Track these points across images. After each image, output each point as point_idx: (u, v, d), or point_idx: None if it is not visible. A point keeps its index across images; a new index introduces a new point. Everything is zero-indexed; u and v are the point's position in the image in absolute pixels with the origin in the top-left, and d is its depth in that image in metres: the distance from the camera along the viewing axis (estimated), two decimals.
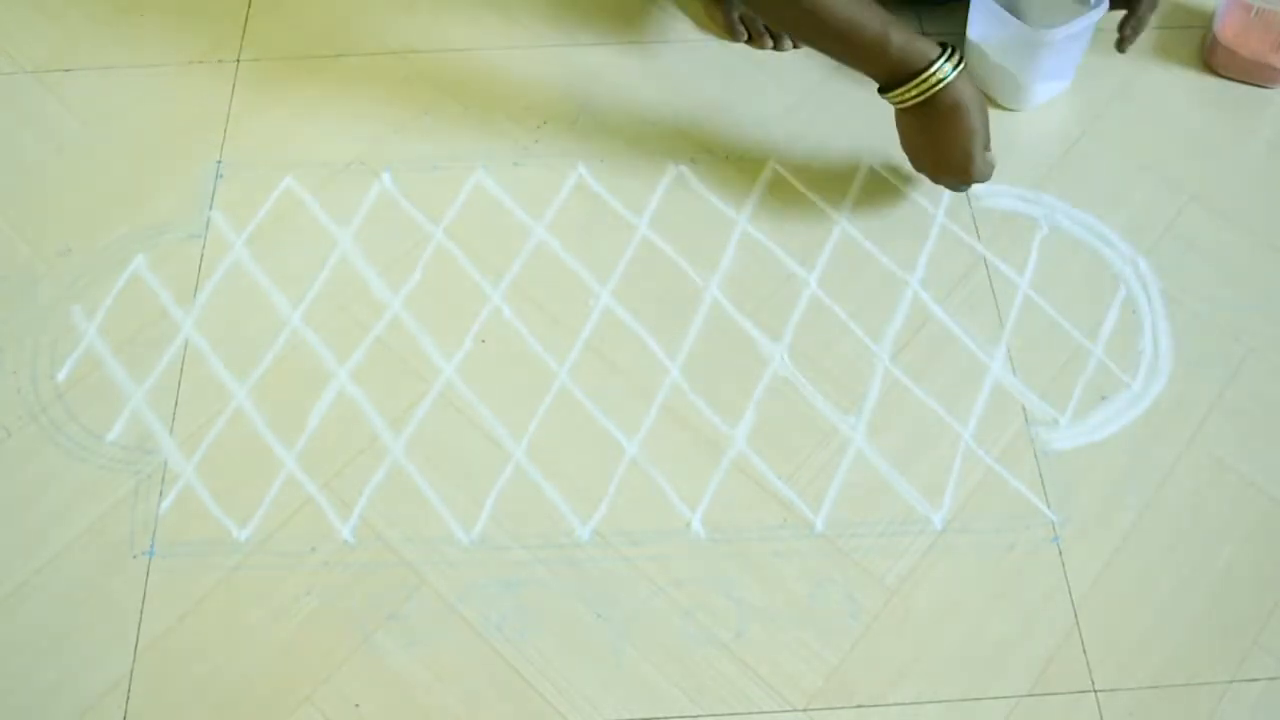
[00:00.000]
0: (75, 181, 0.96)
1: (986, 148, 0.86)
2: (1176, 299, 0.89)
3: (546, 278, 0.90)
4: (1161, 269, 0.90)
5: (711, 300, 0.89)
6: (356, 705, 0.72)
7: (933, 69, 0.81)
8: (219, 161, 0.96)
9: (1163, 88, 1.02)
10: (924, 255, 0.91)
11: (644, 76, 1.02)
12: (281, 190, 0.95)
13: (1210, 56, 1.02)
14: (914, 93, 0.82)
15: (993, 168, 0.87)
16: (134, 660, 0.74)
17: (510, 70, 1.03)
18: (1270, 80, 1.00)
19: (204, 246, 0.92)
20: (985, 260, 0.91)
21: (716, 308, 0.89)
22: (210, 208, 0.94)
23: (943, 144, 0.85)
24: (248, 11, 1.08)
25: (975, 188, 0.94)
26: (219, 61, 1.04)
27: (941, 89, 0.82)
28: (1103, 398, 0.84)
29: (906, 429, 0.83)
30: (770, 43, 1.04)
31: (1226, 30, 0.99)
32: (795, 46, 1.04)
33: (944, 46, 0.82)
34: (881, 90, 0.85)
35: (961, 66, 0.82)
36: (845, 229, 0.93)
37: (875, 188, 0.95)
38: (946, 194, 0.94)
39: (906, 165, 0.96)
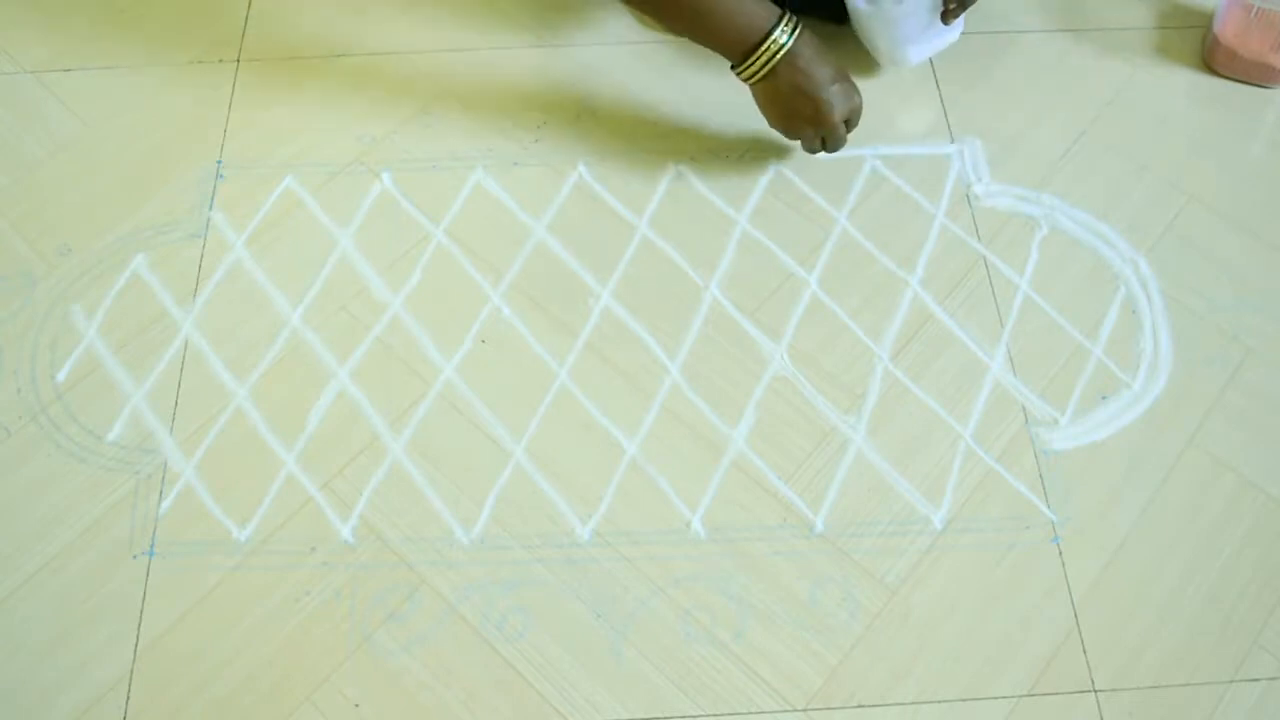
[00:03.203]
0: (75, 181, 0.96)
1: (840, 96, 0.88)
2: (1176, 299, 0.89)
3: (546, 278, 0.90)
4: (1161, 269, 0.90)
5: (711, 300, 0.89)
6: (356, 705, 0.72)
7: (769, 40, 0.85)
8: (219, 161, 0.96)
9: (1163, 88, 1.02)
10: (924, 255, 0.91)
11: (644, 76, 1.02)
12: (281, 190, 0.95)
13: (1210, 56, 1.02)
14: (758, 64, 0.86)
15: (856, 107, 0.90)
16: (134, 660, 0.74)
17: (510, 70, 1.03)
18: (1270, 80, 1.00)
19: (204, 246, 0.92)
20: (985, 260, 0.91)
21: (716, 308, 0.89)
22: (210, 208, 0.94)
23: (791, 104, 0.88)
24: (248, 11, 1.08)
25: (975, 188, 0.95)
26: (219, 61, 1.04)
27: (783, 55, 0.85)
28: (1103, 398, 0.84)
29: (906, 429, 0.83)
30: None
31: (1226, 30, 1.00)
32: None
33: (780, 13, 0.85)
34: (733, 68, 0.88)
35: (798, 31, 0.85)
36: (845, 229, 0.93)
37: (875, 187, 0.95)
38: (947, 193, 0.94)
39: (907, 165, 0.96)
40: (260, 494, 0.80)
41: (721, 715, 0.72)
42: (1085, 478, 0.81)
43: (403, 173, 0.96)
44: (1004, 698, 0.73)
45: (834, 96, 0.87)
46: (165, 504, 0.79)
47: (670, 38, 1.05)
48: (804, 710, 0.72)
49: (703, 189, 0.95)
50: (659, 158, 0.96)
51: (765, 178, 0.95)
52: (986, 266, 0.91)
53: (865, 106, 1.00)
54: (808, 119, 0.88)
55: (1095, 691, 0.73)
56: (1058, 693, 0.73)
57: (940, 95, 1.01)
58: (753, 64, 0.86)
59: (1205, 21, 1.05)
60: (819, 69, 0.86)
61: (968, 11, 0.96)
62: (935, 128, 0.99)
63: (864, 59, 1.01)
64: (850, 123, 0.91)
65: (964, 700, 0.73)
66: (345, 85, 1.02)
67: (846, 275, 0.90)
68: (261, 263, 0.91)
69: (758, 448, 0.82)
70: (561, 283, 0.90)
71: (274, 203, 0.94)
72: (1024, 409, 0.84)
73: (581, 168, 0.96)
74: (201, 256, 0.91)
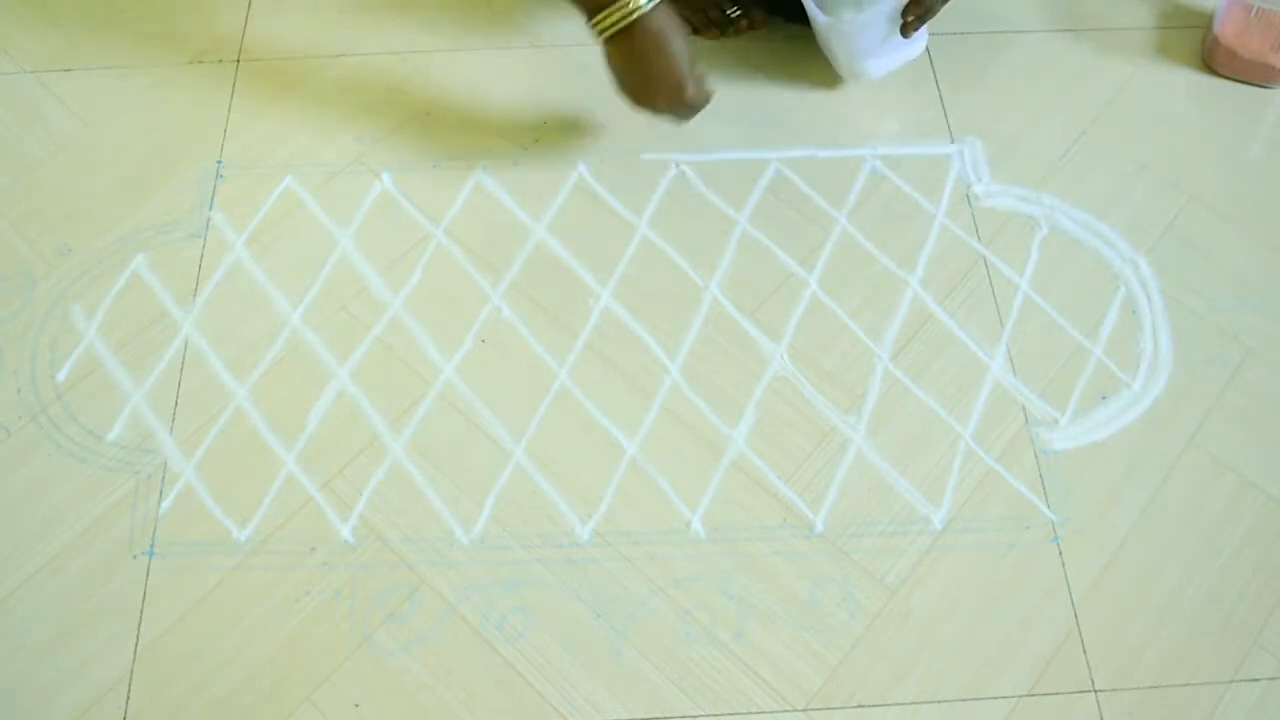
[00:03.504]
0: (75, 181, 0.96)
1: (695, 75, 0.88)
2: (1176, 299, 0.89)
3: (546, 278, 0.90)
4: (1161, 269, 0.90)
5: (711, 300, 0.89)
6: (356, 705, 0.72)
7: None
8: (219, 161, 0.96)
9: (1163, 88, 1.02)
10: (924, 255, 0.91)
11: None
12: (281, 190, 0.95)
13: (1210, 56, 1.02)
14: (613, 19, 0.85)
15: (708, 95, 0.89)
16: (134, 660, 0.74)
17: (510, 70, 1.03)
18: (1270, 80, 1.00)
19: (204, 246, 0.92)
20: (985, 260, 0.91)
21: (716, 308, 0.89)
22: (210, 208, 0.94)
23: (646, 71, 0.87)
24: (248, 11, 1.08)
25: (975, 188, 0.95)
26: (219, 61, 1.04)
27: (638, 17, 0.84)
28: (1103, 398, 0.84)
29: (906, 429, 0.83)
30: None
31: (1226, 30, 1.00)
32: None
33: None
34: (587, 20, 0.87)
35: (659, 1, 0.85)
36: (845, 229, 0.93)
37: (875, 187, 0.95)
38: (947, 194, 0.94)
39: (907, 165, 0.96)
40: (260, 494, 0.80)
41: (721, 715, 0.72)
42: (1085, 478, 0.81)
43: (403, 173, 0.96)
44: (1004, 698, 0.73)
45: (690, 70, 0.87)
46: (165, 504, 0.79)
47: None
48: (804, 710, 0.72)
49: (703, 189, 0.95)
50: (658, 158, 0.96)
51: (765, 178, 0.95)
52: (986, 266, 0.91)
53: (865, 106, 1.00)
54: (658, 87, 0.87)
55: (1095, 691, 0.73)
56: (1058, 693, 0.73)
57: (940, 95, 1.01)
58: (605, 19, 0.85)
59: (1205, 21, 1.05)
60: (678, 42, 0.86)
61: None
62: (935, 128, 0.99)
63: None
64: (696, 105, 0.89)
65: (964, 700, 0.73)
66: (345, 85, 1.02)
67: (846, 275, 0.90)
68: (261, 263, 0.91)
69: (758, 448, 0.82)
70: (561, 283, 0.90)
71: (274, 203, 0.94)
72: (1024, 409, 0.84)
73: (581, 168, 0.96)
74: (201, 256, 0.91)
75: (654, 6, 0.85)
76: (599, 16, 0.85)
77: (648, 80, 0.88)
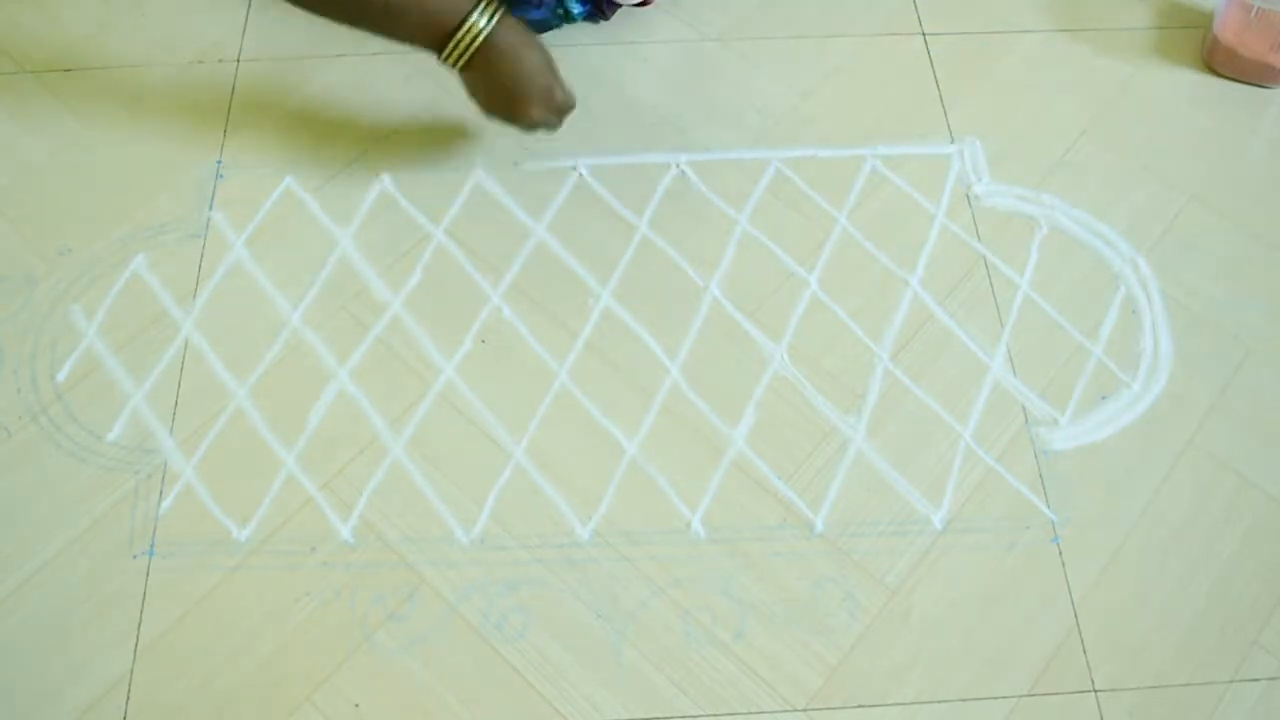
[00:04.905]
0: (75, 181, 0.95)
1: (558, 79, 0.87)
2: (1176, 299, 0.89)
3: (546, 278, 0.90)
4: (1161, 269, 0.90)
5: (711, 300, 0.89)
6: (356, 705, 0.72)
7: (467, 24, 0.82)
8: (219, 161, 0.96)
9: (1163, 88, 1.02)
10: (924, 255, 0.91)
11: (644, 76, 1.02)
12: (281, 190, 0.95)
13: (1210, 56, 1.02)
14: (461, 47, 0.83)
15: (573, 98, 0.89)
16: (134, 660, 0.74)
17: None
18: (1270, 80, 1.00)
19: (204, 246, 0.92)
20: (985, 260, 0.91)
21: (716, 308, 0.89)
22: (210, 208, 0.94)
23: (509, 87, 0.85)
24: (248, 11, 1.07)
25: (975, 188, 0.95)
26: (219, 61, 1.04)
27: (486, 37, 0.83)
28: (1103, 398, 0.84)
29: (906, 429, 0.83)
30: None
31: (1226, 30, 1.00)
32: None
33: None
34: (438, 58, 0.85)
35: (499, 14, 0.83)
36: (845, 229, 0.93)
37: (875, 187, 0.95)
38: (947, 194, 0.94)
39: (907, 165, 0.96)
40: (260, 494, 0.80)
41: (721, 715, 0.72)
42: (1085, 478, 0.81)
43: (403, 173, 0.96)
44: (1004, 698, 0.73)
45: (553, 80, 0.86)
46: (165, 504, 0.79)
47: (665, 38, 1.05)
48: (804, 710, 0.72)
49: (703, 189, 0.95)
50: (658, 158, 0.96)
51: (765, 178, 0.95)
52: (986, 266, 0.91)
53: (866, 106, 1.00)
54: (526, 100, 0.86)
55: (1095, 691, 0.73)
56: (1058, 693, 0.73)
57: (940, 95, 1.01)
58: (454, 50, 0.83)
59: (1205, 21, 1.05)
60: (534, 51, 0.85)
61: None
62: (935, 128, 0.99)
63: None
64: (565, 108, 0.89)
65: (964, 700, 0.73)
66: (345, 85, 1.02)
67: (846, 275, 0.90)
68: (261, 263, 0.91)
69: (758, 448, 0.82)
70: (561, 283, 0.90)
71: (274, 203, 0.94)
72: (1024, 409, 0.84)
73: (581, 168, 0.96)
74: (201, 256, 0.91)
75: (498, 22, 0.83)
76: (447, 50, 0.83)
77: (513, 96, 0.86)
